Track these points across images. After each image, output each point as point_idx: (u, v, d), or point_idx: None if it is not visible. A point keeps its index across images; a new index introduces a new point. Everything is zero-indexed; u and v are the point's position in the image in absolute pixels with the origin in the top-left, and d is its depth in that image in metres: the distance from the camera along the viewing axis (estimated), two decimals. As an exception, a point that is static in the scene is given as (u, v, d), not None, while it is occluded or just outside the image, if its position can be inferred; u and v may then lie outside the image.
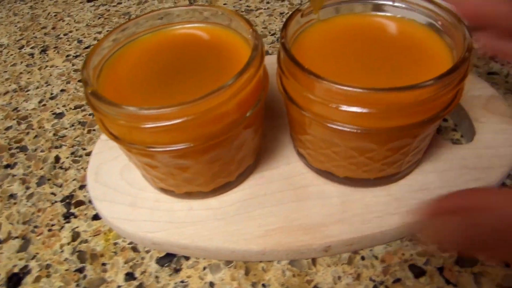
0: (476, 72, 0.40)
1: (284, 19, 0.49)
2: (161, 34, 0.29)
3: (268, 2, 0.52)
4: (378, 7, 0.29)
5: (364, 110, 0.22)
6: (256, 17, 0.50)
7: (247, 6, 0.52)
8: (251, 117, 0.26)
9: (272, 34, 0.47)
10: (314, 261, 0.28)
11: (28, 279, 0.28)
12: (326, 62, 0.26)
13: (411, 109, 0.22)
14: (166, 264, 0.28)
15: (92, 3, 0.56)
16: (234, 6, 0.52)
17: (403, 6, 0.28)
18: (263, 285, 0.27)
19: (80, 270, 0.29)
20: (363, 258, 0.28)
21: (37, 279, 0.28)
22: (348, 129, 0.23)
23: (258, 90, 0.26)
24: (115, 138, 0.25)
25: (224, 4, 0.53)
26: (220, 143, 0.25)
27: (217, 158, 0.26)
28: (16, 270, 0.29)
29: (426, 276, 0.26)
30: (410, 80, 0.21)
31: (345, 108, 0.22)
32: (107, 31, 0.51)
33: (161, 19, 0.30)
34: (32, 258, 0.30)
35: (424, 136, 0.25)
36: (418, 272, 0.27)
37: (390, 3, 0.28)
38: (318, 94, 0.22)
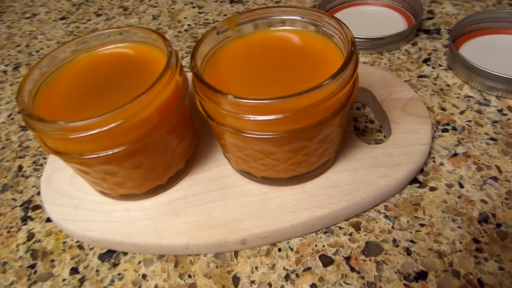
0: (408, 75, 0.43)
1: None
2: (86, 57, 0.33)
3: (225, 15, 0.56)
4: (284, 23, 0.32)
5: (260, 118, 0.25)
6: (212, 29, 0.53)
7: (206, 19, 0.55)
8: (173, 123, 0.29)
9: (225, 45, 0.50)
10: (236, 253, 0.31)
11: (-14, 275, 0.32)
12: (235, 76, 0.29)
13: (306, 112, 0.25)
14: (107, 259, 0.32)
15: (64, 21, 0.60)
16: (193, 20, 0.55)
17: (306, 20, 0.31)
18: (189, 275, 0.30)
19: (32, 266, 0.32)
20: (280, 249, 0.31)
21: (-6, 275, 0.32)
22: (249, 135, 0.26)
23: (177, 97, 0.29)
24: (52, 151, 0.28)
25: (185, 18, 0.56)
26: (143, 147, 0.28)
27: (142, 163, 0.29)
28: (-24, 268, 0.33)
29: (334, 265, 0.29)
30: (309, 85, 0.24)
31: (249, 117, 0.25)
32: (76, 47, 0.55)
33: (83, 43, 0.33)
34: (-9, 257, 0.33)
35: (323, 137, 0.28)
36: (327, 261, 0.30)
37: (296, 17, 0.31)
38: (226, 108, 0.25)
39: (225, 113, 0.26)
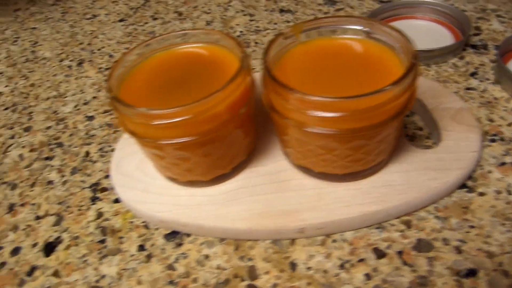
0: (456, 86, 0.45)
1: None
2: (169, 53, 0.36)
3: (275, 23, 0.59)
4: (346, 31, 0.34)
5: (327, 115, 0.27)
6: (264, 36, 0.56)
7: (257, 26, 0.59)
8: (240, 119, 0.32)
9: (276, 51, 0.53)
10: (293, 241, 0.33)
11: (60, 247, 0.35)
12: (300, 77, 0.31)
13: (368, 113, 0.27)
14: (171, 239, 0.34)
15: (122, 23, 0.65)
16: (245, 27, 0.59)
17: (367, 30, 0.33)
18: (249, 258, 0.32)
19: (102, 242, 0.35)
20: (334, 241, 0.33)
21: (68, 247, 0.35)
22: (314, 131, 0.28)
23: (245, 96, 0.32)
24: (131, 133, 0.32)
25: (237, 24, 0.60)
26: (213, 139, 0.31)
27: (211, 152, 0.32)
28: (51, 239, 0.36)
29: (386, 258, 0.31)
30: (369, 89, 0.26)
31: (314, 113, 0.27)
32: (134, 47, 0.59)
33: (165, 41, 0.36)
34: (64, 231, 0.36)
35: (382, 137, 0.30)
36: (380, 254, 0.32)
37: (358, 27, 0.34)
38: (294, 104, 0.28)
39: (292, 108, 0.28)
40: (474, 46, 0.50)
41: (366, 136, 0.29)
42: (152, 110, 0.28)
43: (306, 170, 0.34)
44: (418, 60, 0.28)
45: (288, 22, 0.58)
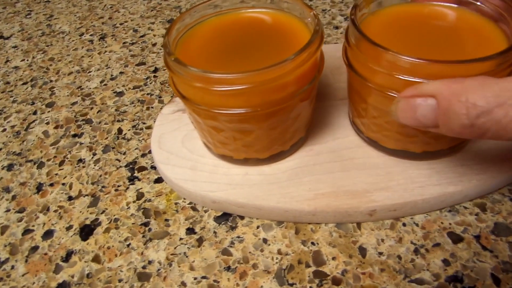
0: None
1: (326, 16, 0.52)
2: (229, 16, 0.33)
3: (310, 0, 0.56)
4: None
5: (423, 80, 0.24)
6: None
7: (290, 2, 0.55)
8: (307, 91, 0.29)
9: (315, 28, 0.50)
10: (358, 225, 0.30)
11: (99, 230, 0.32)
12: (388, 43, 0.28)
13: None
14: (223, 222, 0.31)
15: (144, -3, 0.61)
16: None
17: None
18: (312, 243, 0.29)
19: (146, 224, 0.32)
20: (404, 224, 0.30)
21: (107, 230, 0.32)
22: None
23: (315, 68, 0.29)
24: (185, 99, 0.28)
25: (268, 0, 0.56)
26: (279, 111, 0.28)
27: (276, 125, 0.29)
28: (87, 222, 0.33)
29: (464, 243, 0.29)
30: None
31: (405, 77, 0.24)
32: (160, 22, 0.55)
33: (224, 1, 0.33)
34: (102, 213, 0.33)
35: None
36: (456, 238, 0.29)
37: None
38: (382, 64, 0.25)
39: (379, 70, 0.25)
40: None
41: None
42: (213, 73, 0.25)
43: (377, 145, 0.31)
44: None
45: (324, -2, 0.55)
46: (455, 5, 0.31)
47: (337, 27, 0.50)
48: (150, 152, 0.37)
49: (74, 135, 0.40)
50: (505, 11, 0.28)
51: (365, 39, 0.26)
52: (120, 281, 0.29)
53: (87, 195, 0.35)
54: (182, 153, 0.34)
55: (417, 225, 0.30)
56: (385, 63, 0.25)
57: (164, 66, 0.40)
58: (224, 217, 0.32)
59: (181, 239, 0.31)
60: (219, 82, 0.25)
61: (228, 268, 0.29)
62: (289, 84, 0.27)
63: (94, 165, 0.37)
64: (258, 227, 0.31)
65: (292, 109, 0.29)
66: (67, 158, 0.38)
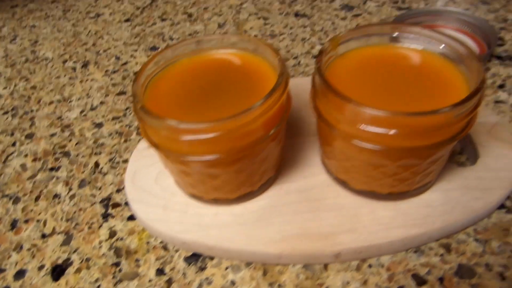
0: (485, 100, 0.43)
1: (305, 44, 0.53)
2: (197, 58, 0.34)
3: (291, 28, 0.56)
4: (395, 39, 0.32)
5: (385, 131, 0.25)
6: (280, 41, 0.54)
7: (272, 30, 0.56)
8: (274, 134, 0.29)
9: (294, 58, 0.51)
10: (325, 266, 0.31)
11: (70, 270, 0.32)
12: (354, 88, 0.29)
13: (428, 132, 0.25)
14: (193, 263, 0.32)
15: (129, 23, 0.62)
16: (260, 30, 0.56)
17: (421, 38, 0.31)
18: (279, 285, 0.30)
19: (117, 264, 0.32)
20: (370, 266, 0.31)
21: (78, 271, 0.32)
22: (369, 146, 0.26)
23: (281, 112, 0.30)
24: (155, 145, 0.29)
25: (251, 28, 0.57)
26: (246, 156, 0.29)
27: (243, 169, 0.29)
28: (59, 261, 0.33)
29: (427, 285, 0.29)
30: (429, 106, 0.24)
31: (368, 128, 0.25)
32: (143, 49, 0.56)
33: (197, 43, 0.34)
34: (74, 252, 0.33)
35: (435, 158, 0.28)
36: (420, 281, 0.29)
37: (411, 35, 0.31)
38: (346, 114, 0.26)
39: (342, 119, 0.26)
40: (499, 57, 0.48)
41: (419, 156, 0.26)
42: (182, 123, 0.26)
43: (345, 185, 0.32)
44: (484, 85, 0.26)
45: (305, 27, 0.56)
46: (420, 48, 0.32)
47: (315, 57, 0.51)
48: (124, 187, 0.38)
49: (51, 169, 0.41)
50: (466, 56, 0.29)
51: (329, 89, 0.26)
52: (87, 325, 0.29)
53: (60, 232, 0.35)
54: (155, 191, 0.34)
55: (382, 266, 0.30)
56: (349, 113, 0.26)
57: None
58: (194, 257, 0.32)
59: (150, 280, 0.31)
60: (186, 131, 0.26)
61: (195, 311, 0.29)
62: (257, 129, 0.27)
63: (70, 201, 0.37)
64: (227, 268, 0.31)
65: (259, 153, 0.29)
66: (43, 193, 0.38)
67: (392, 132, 0.25)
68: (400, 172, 0.28)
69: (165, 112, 0.29)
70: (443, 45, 0.31)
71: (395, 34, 0.32)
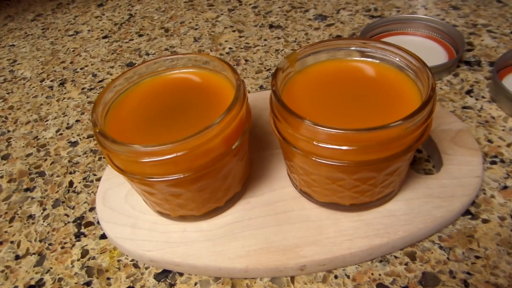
0: (452, 105, 0.44)
1: (279, 56, 0.54)
2: (157, 79, 0.34)
3: (265, 39, 0.57)
4: (353, 53, 0.33)
5: (339, 147, 0.25)
6: (254, 53, 0.55)
7: (246, 43, 0.57)
8: (236, 149, 0.30)
9: (268, 70, 0.52)
10: (292, 279, 0.31)
11: (42, 290, 0.33)
12: (311, 105, 0.30)
13: (382, 146, 0.26)
14: (163, 280, 0.32)
15: (106, 39, 0.62)
16: (234, 43, 0.57)
17: (377, 52, 0.32)
18: (246, 299, 0.30)
19: (88, 284, 0.33)
20: (336, 277, 0.31)
21: (50, 291, 0.32)
22: (325, 162, 0.27)
23: (241, 126, 0.30)
24: (119, 169, 0.29)
25: (226, 41, 0.58)
26: (208, 173, 0.29)
27: (206, 187, 0.30)
28: (32, 282, 0.33)
29: (391, 294, 0.30)
30: (385, 119, 0.25)
31: (323, 145, 0.26)
32: (119, 65, 0.56)
33: (152, 66, 0.34)
34: (47, 272, 0.34)
35: (392, 170, 0.29)
36: (384, 290, 0.30)
37: (367, 49, 0.32)
38: (302, 133, 0.26)
39: (299, 137, 0.27)
40: (467, 63, 0.49)
41: (375, 169, 0.27)
42: (142, 147, 0.26)
43: (310, 197, 0.33)
44: (435, 92, 0.27)
45: (279, 38, 0.57)
46: (377, 61, 0.33)
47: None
48: (97, 206, 0.38)
49: (26, 189, 0.41)
50: (418, 68, 0.30)
51: (284, 109, 0.27)
52: None
53: (34, 253, 0.35)
54: (125, 210, 0.35)
55: (348, 277, 0.31)
56: (304, 131, 0.26)
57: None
58: (164, 274, 0.32)
59: (120, 298, 0.31)
60: (146, 154, 0.26)
61: (163, 328, 0.29)
62: (218, 146, 0.28)
63: (43, 221, 0.38)
64: (196, 283, 0.32)
65: (222, 169, 0.30)
66: (18, 214, 0.39)
67: (345, 148, 0.25)
68: (358, 184, 0.29)
69: (126, 135, 0.29)
70: (398, 58, 0.31)
71: (352, 48, 0.33)
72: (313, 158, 0.27)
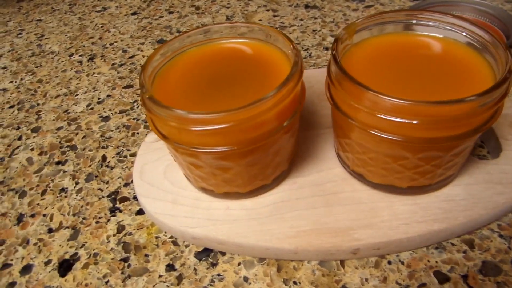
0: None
1: (316, 36, 0.52)
2: (206, 48, 0.32)
3: (301, 19, 0.55)
4: (413, 27, 0.31)
5: (406, 121, 0.23)
6: (290, 33, 0.53)
7: (281, 22, 0.55)
8: (288, 126, 0.28)
9: (305, 50, 0.50)
10: (342, 263, 0.29)
11: (78, 265, 0.31)
12: (372, 77, 0.28)
13: (451, 123, 0.24)
14: (204, 258, 0.31)
15: (135, 16, 0.61)
16: (269, 23, 0.55)
17: (444, 26, 0.30)
18: (294, 282, 0.29)
19: (125, 260, 0.31)
20: (389, 262, 0.29)
21: (86, 266, 0.31)
22: (389, 137, 0.25)
23: (295, 103, 0.28)
24: (164, 137, 0.28)
25: (260, 20, 0.56)
26: (259, 148, 0.27)
27: (256, 162, 0.28)
28: (67, 256, 0.32)
29: (450, 283, 0.28)
30: (452, 95, 0.23)
31: (389, 117, 0.24)
32: (150, 42, 0.55)
33: (204, 34, 0.33)
34: (81, 247, 0.32)
35: (459, 151, 0.27)
36: (442, 278, 0.28)
37: (430, 22, 0.30)
38: (364, 103, 0.24)
39: (361, 108, 0.25)
40: (519, 48, 0.46)
41: (442, 148, 0.25)
42: (191, 113, 0.24)
43: (362, 178, 0.31)
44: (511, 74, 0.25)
45: (315, 18, 0.55)
46: (441, 36, 0.31)
47: (327, 48, 0.50)
48: (132, 181, 0.37)
49: (58, 162, 0.40)
50: (491, 44, 0.28)
51: (346, 77, 0.25)
52: (95, 322, 0.28)
53: (67, 227, 0.34)
54: (164, 185, 0.33)
55: (402, 263, 0.29)
56: (367, 102, 0.25)
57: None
58: (205, 253, 0.31)
59: (160, 276, 0.30)
60: (196, 122, 0.25)
61: (207, 309, 0.28)
62: (269, 120, 0.26)
63: (76, 195, 0.36)
64: (239, 263, 0.30)
65: (272, 145, 0.28)
66: (50, 187, 0.37)
67: (414, 121, 0.23)
68: (421, 165, 0.27)
69: (173, 103, 0.27)
70: (465, 32, 0.29)
71: (413, 21, 0.31)
72: (375, 132, 0.25)
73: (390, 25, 0.31)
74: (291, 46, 0.28)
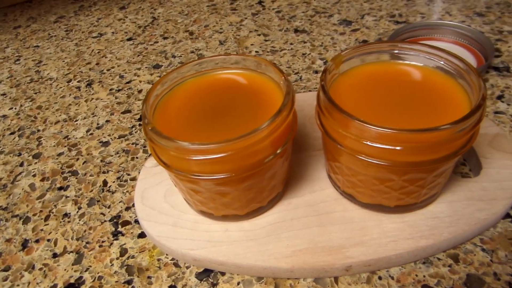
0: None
1: (306, 60, 0.54)
2: (204, 78, 0.34)
3: (291, 43, 0.57)
4: (396, 56, 0.33)
5: (391, 147, 0.26)
6: (281, 57, 0.55)
7: (272, 46, 0.57)
8: (282, 152, 0.30)
9: (296, 73, 0.52)
10: (336, 279, 0.31)
11: (83, 288, 0.32)
12: (357, 105, 0.30)
13: (432, 148, 0.26)
14: (204, 279, 0.32)
15: (131, 41, 0.63)
16: (260, 47, 0.57)
17: (421, 55, 0.32)
18: (291, 300, 0.30)
19: (129, 282, 0.32)
20: (380, 278, 0.31)
21: (91, 289, 0.32)
22: (376, 161, 0.27)
23: (288, 130, 0.30)
24: (165, 165, 0.29)
25: (251, 44, 0.58)
26: (255, 173, 0.29)
27: (252, 186, 0.30)
28: (72, 280, 0.33)
29: (437, 296, 0.30)
30: (433, 121, 0.25)
31: (374, 144, 0.26)
32: (146, 67, 0.57)
33: (200, 65, 0.34)
34: (86, 270, 0.34)
35: (440, 172, 0.29)
36: (430, 292, 0.30)
37: (411, 52, 0.33)
38: (351, 131, 0.26)
39: (348, 135, 0.27)
40: (496, 68, 0.49)
41: (425, 170, 0.27)
42: (192, 144, 0.26)
43: (352, 198, 0.33)
44: (485, 100, 0.27)
45: (305, 42, 0.57)
46: (421, 64, 0.33)
47: (316, 72, 0.52)
48: (134, 205, 0.38)
49: (60, 188, 0.41)
50: (465, 71, 0.30)
51: (334, 107, 0.27)
52: None
53: (71, 251, 0.35)
54: (164, 209, 0.35)
55: (392, 278, 0.31)
56: (354, 130, 0.27)
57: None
58: (206, 273, 0.32)
59: (163, 297, 0.31)
60: (196, 152, 0.27)
61: (208, 328, 0.29)
62: (264, 148, 0.28)
63: (79, 220, 0.38)
64: (238, 283, 0.32)
65: (268, 170, 0.30)
66: (53, 213, 0.39)
67: (398, 148, 0.26)
68: (406, 186, 0.29)
69: (174, 133, 0.29)
70: (443, 61, 0.32)
71: (396, 51, 0.33)
72: (362, 157, 0.27)
73: (374, 54, 0.34)
74: (283, 77, 0.31)
